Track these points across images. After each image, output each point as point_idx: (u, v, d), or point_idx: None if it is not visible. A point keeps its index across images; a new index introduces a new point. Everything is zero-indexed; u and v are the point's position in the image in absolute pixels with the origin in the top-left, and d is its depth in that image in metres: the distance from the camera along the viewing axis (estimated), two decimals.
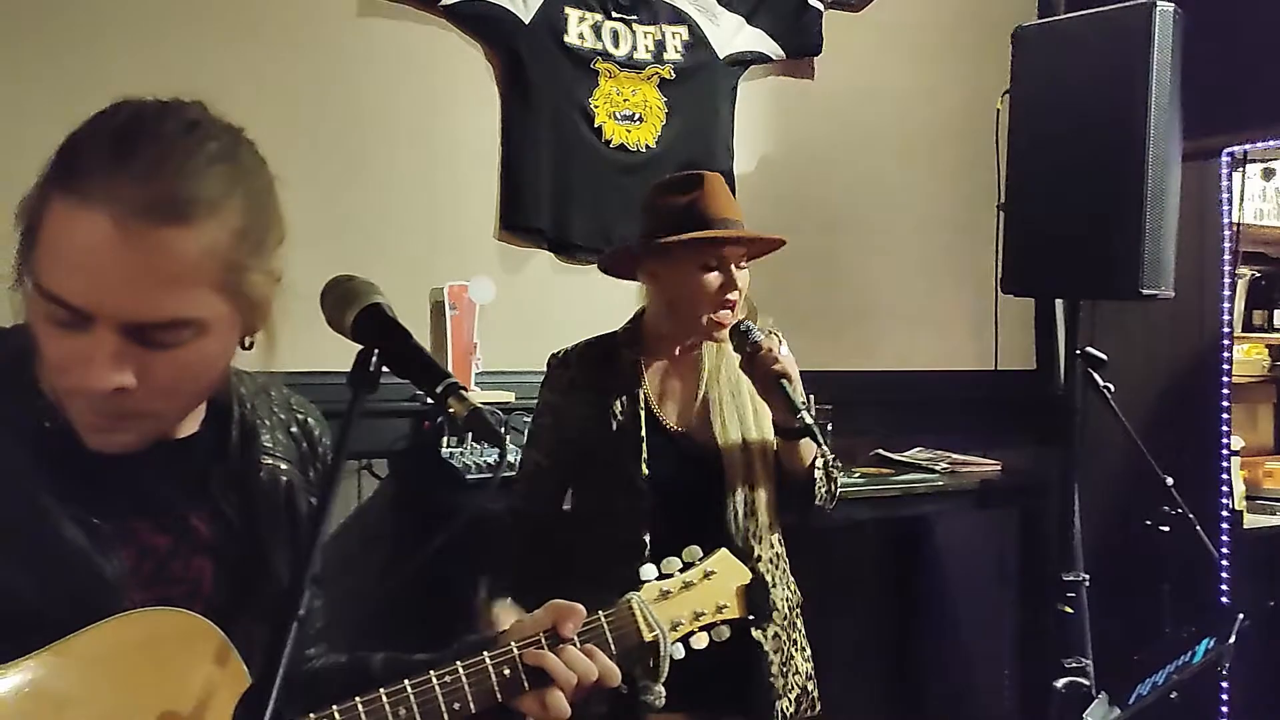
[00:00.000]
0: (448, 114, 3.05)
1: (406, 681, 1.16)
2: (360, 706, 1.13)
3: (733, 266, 2.03)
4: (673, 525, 2.00)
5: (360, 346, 1.09)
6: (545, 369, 2.21)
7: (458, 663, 1.19)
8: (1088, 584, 3.03)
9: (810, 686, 2.13)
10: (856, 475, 3.15)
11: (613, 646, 1.30)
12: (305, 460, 1.28)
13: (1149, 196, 2.72)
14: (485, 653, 1.21)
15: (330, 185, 2.83)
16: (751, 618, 1.47)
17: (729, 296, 2.03)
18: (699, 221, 2.02)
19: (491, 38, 3.07)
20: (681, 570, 1.42)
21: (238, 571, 1.17)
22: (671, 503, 2.04)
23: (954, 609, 3.77)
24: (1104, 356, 2.76)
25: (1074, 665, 2.98)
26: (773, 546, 2.12)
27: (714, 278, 2.02)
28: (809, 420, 1.97)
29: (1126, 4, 2.77)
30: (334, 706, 1.12)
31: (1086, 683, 2.97)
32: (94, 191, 0.95)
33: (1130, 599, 3.32)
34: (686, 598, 1.40)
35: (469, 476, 2.73)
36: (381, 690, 1.14)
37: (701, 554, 1.45)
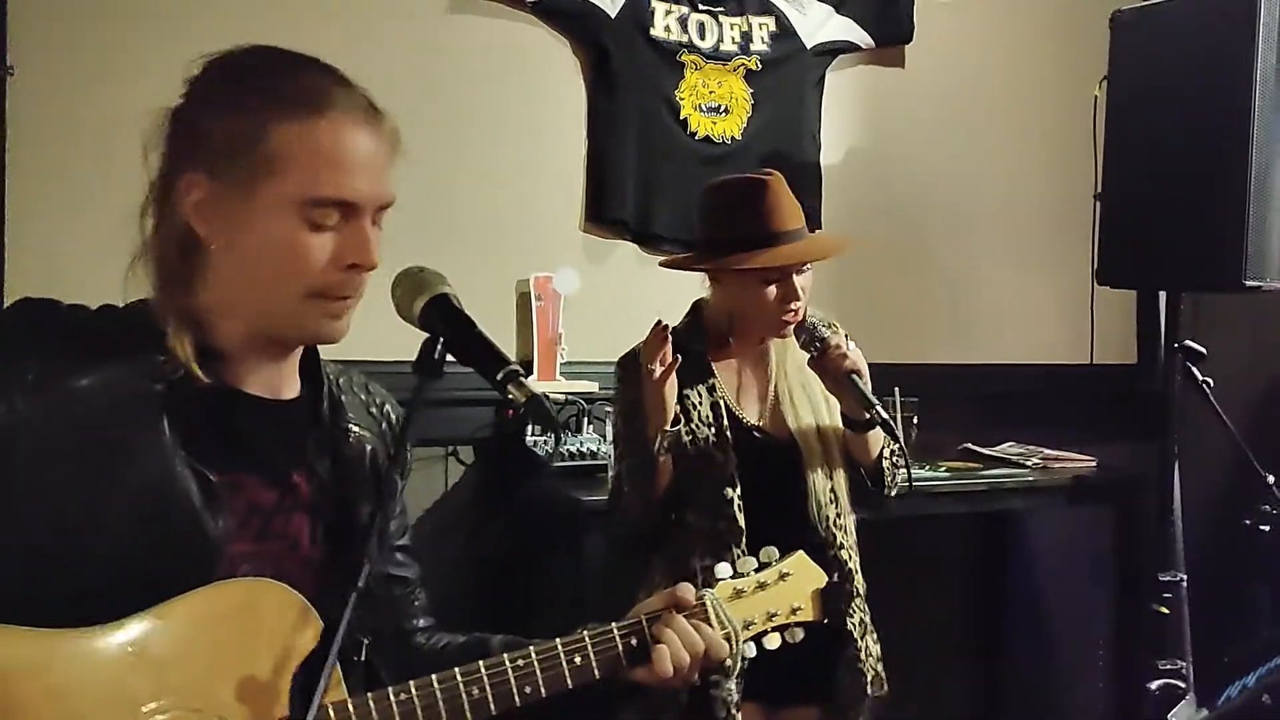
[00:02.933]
0: (535, 108, 3.09)
1: (531, 649, 1.23)
2: (509, 662, 1.20)
3: (794, 276, 2.04)
4: (757, 517, 2.04)
5: (426, 335, 1.12)
6: (618, 371, 2.16)
7: (584, 632, 1.27)
8: (1184, 583, 2.95)
9: (880, 668, 2.16)
10: (941, 469, 3.11)
11: None
12: (384, 438, 1.34)
13: (1253, 185, 2.65)
14: (614, 624, 1.28)
15: (420, 179, 2.87)
16: (826, 620, 1.47)
17: (790, 307, 2.04)
18: (762, 236, 2.03)
19: (578, 32, 3.10)
20: (757, 570, 1.43)
21: (331, 531, 1.23)
22: (755, 495, 2.06)
23: (1047, 606, 3.69)
24: (1203, 350, 2.67)
25: (1168, 667, 2.91)
26: (850, 533, 2.14)
27: (774, 290, 2.04)
28: (884, 415, 1.99)
29: None
30: (457, 670, 1.18)
31: (1182, 685, 2.89)
32: (331, 106, 1.13)
33: (1229, 599, 3.22)
34: (760, 598, 1.41)
35: (552, 465, 2.77)
36: (509, 655, 1.21)
37: (778, 555, 1.45)
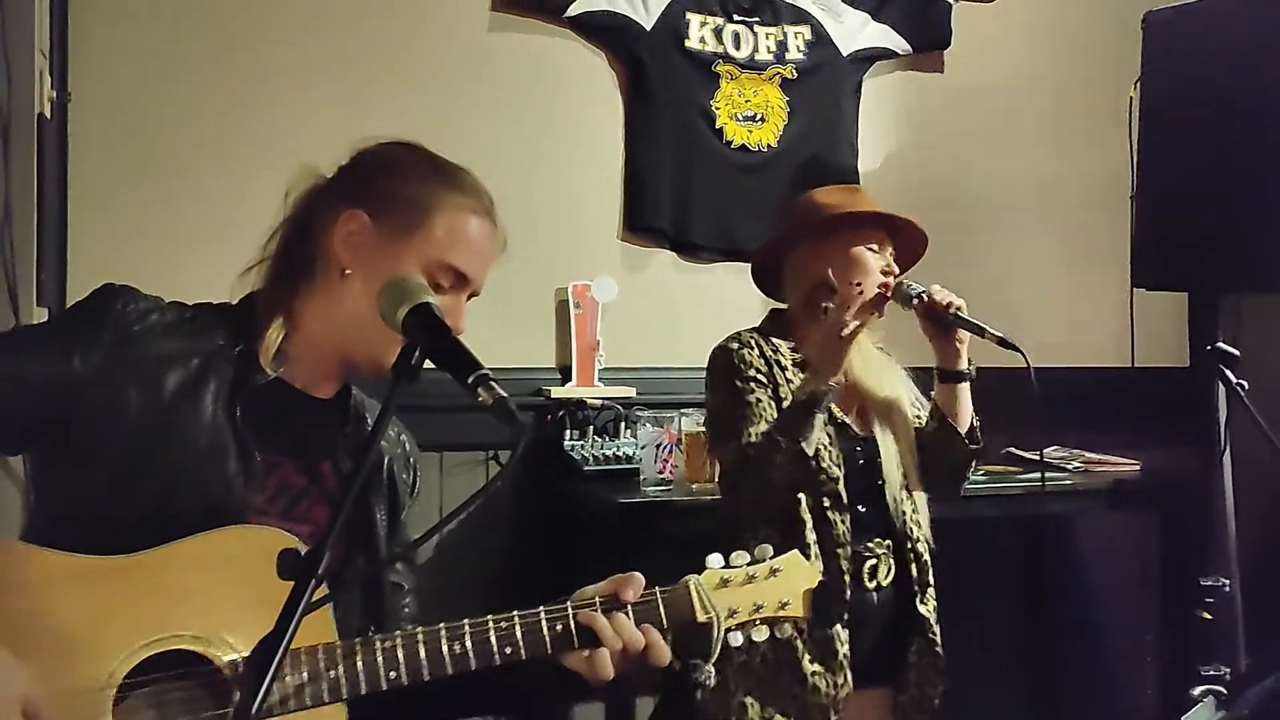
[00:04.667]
0: (573, 120, 3.17)
1: (466, 621, 1.28)
2: (420, 634, 1.26)
3: (890, 263, 2.20)
4: (852, 502, 2.13)
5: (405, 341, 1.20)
6: (720, 357, 2.21)
7: (514, 612, 1.31)
8: (1228, 588, 2.91)
9: None
10: (980, 473, 3.10)
11: (665, 621, 1.37)
12: (400, 459, 1.49)
13: None
14: (541, 607, 1.32)
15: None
16: (810, 619, 1.50)
17: (887, 280, 2.18)
18: (870, 214, 2.22)
19: (614, 45, 3.17)
20: (748, 564, 1.45)
21: (347, 527, 1.35)
22: (848, 482, 2.14)
23: (1094, 611, 3.65)
24: (1236, 352, 2.63)
25: (1212, 673, 2.87)
26: (925, 527, 2.22)
27: (875, 257, 2.18)
28: (997, 333, 2.13)
29: None
30: (398, 632, 1.26)
31: (1225, 691, 2.84)
32: (475, 201, 1.40)
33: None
34: (747, 589, 1.43)
35: (586, 469, 2.85)
36: (442, 625, 1.27)
37: (773, 553, 1.48)
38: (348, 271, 1.33)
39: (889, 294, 2.17)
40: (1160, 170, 2.85)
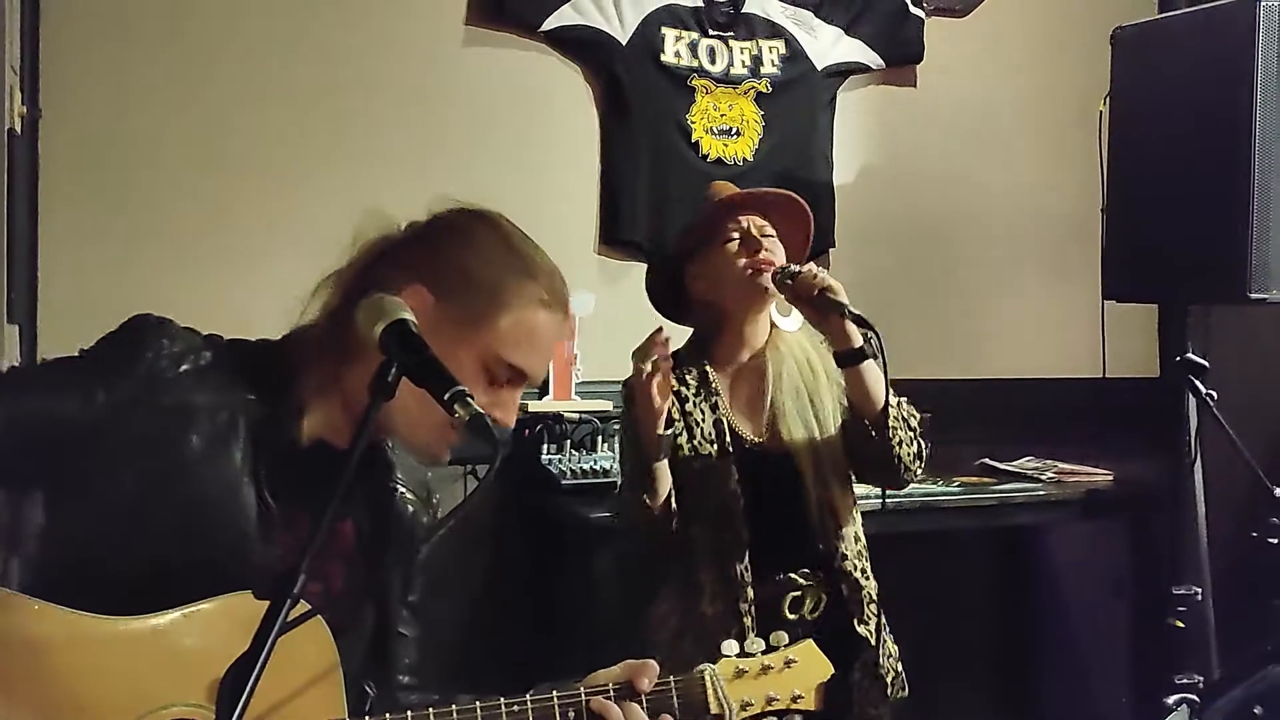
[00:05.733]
0: (549, 134, 3.18)
1: (478, 703, 1.26)
2: (432, 715, 1.24)
3: (757, 236, 2.13)
4: (761, 530, 2.09)
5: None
6: (623, 392, 2.16)
7: (527, 695, 1.29)
8: (1200, 596, 2.93)
9: (900, 668, 2.18)
10: (955, 484, 3.13)
11: (677, 712, 1.35)
12: (424, 502, 1.45)
13: (1256, 197, 2.65)
14: (555, 691, 1.31)
15: (439, 205, 2.99)
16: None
17: (756, 257, 2.11)
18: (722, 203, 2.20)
19: (590, 60, 3.19)
20: (764, 653, 1.45)
21: (361, 580, 1.34)
22: (757, 508, 2.11)
23: (1068, 621, 3.68)
24: (1205, 363, 2.67)
25: (1185, 681, 2.89)
26: (857, 540, 2.17)
27: (736, 244, 2.13)
28: (855, 312, 1.98)
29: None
30: (409, 712, 1.24)
31: (1197, 699, 2.87)
32: (547, 291, 1.33)
33: (1257, 614, 3.19)
34: (762, 681, 1.43)
35: (564, 482, 2.85)
36: (454, 706, 1.26)
37: (788, 641, 1.48)
38: None
39: (760, 271, 2.09)
40: (1130, 183, 2.89)
